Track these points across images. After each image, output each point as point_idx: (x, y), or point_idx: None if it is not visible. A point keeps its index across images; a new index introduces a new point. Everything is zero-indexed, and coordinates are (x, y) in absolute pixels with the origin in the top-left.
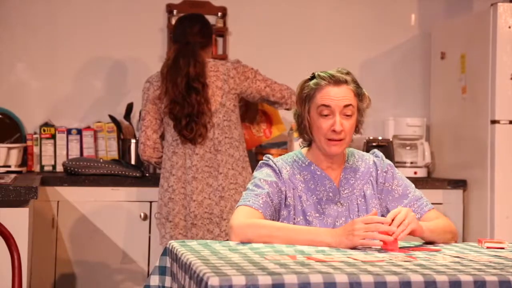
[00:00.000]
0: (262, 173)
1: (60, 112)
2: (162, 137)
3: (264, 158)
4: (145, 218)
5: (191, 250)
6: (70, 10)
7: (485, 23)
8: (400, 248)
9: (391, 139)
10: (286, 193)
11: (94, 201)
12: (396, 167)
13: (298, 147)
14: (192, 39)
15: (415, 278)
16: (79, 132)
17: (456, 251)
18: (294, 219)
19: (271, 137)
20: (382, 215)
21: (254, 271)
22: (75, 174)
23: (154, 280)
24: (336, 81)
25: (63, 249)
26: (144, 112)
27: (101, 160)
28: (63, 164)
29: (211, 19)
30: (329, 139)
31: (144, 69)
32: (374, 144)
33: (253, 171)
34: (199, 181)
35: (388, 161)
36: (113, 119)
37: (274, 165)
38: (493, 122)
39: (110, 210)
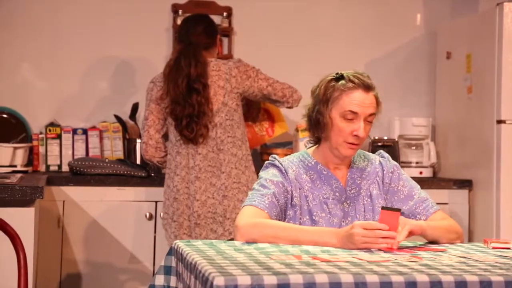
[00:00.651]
0: (268, 173)
1: (65, 112)
2: (166, 137)
3: (270, 158)
4: (150, 217)
5: (197, 250)
6: (75, 10)
7: (491, 22)
8: (405, 248)
9: (396, 139)
10: (292, 193)
11: (99, 201)
12: (402, 167)
13: (303, 147)
14: (195, 39)
15: (421, 278)
16: (85, 132)
17: (462, 251)
18: (300, 219)
19: (274, 136)
20: None
21: (260, 271)
22: (81, 174)
23: (160, 279)
24: (366, 86)
25: (69, 249)
26: (148, 112)
27: (107, 160)
28: (69, 164)
29: (217, 19)
30: (349, 143)
31: (149, 69)
32: (379, 144)
33: (257, 171)
34: (202, 180)
35: (394, 162)
36: (118, 119)
37: (280, 165)
38: (499, 122)
39: (115, 210)
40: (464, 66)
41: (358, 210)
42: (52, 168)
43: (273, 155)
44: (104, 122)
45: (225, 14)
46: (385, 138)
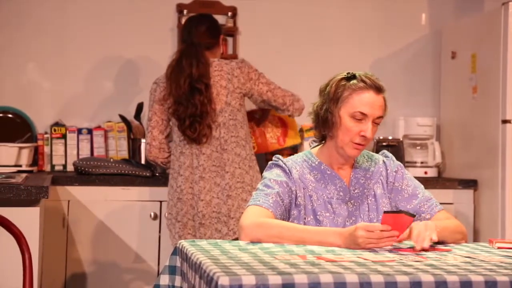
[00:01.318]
0: (272, 174)
1: (70, 111)
2: (170, 138)
3: (273, 158)
4: (155, 217)
5: (201, 249)
6: (81, 10)
7: (496, 22)
8: (409, 248)
9: (401, 139)
10: (296, 192)
11: (104, 201)
12: (406, 167)
13: (308, 147)
14: (197, 39)
15: (426, 278)
16: (90, 131)
17: (467, 251)
18: (305, 218)
19: (284, 146)
20: None
21: (264, 270)
22: (86, 174)
23: (164, 279)
24: (377, 88)
25: (74, 248)
26: (151, 112)
27: (112, 160)
28: (74, 164)
29: (221, 19)
30: (355, 143)
31: (154, 69)
32: (384, 144)
33: (261, 171)
34: (206, 180)
35: (398, 162)
36: (123, 118)
37: (284, 165)
38: (504, 121)
39: (120, 209)
40: (469, 66)
41: (362, 210)
42: (57, 168)
43: (277, 155)
44: (109, 122)
45: (230, 14)
46: (390, 138)
